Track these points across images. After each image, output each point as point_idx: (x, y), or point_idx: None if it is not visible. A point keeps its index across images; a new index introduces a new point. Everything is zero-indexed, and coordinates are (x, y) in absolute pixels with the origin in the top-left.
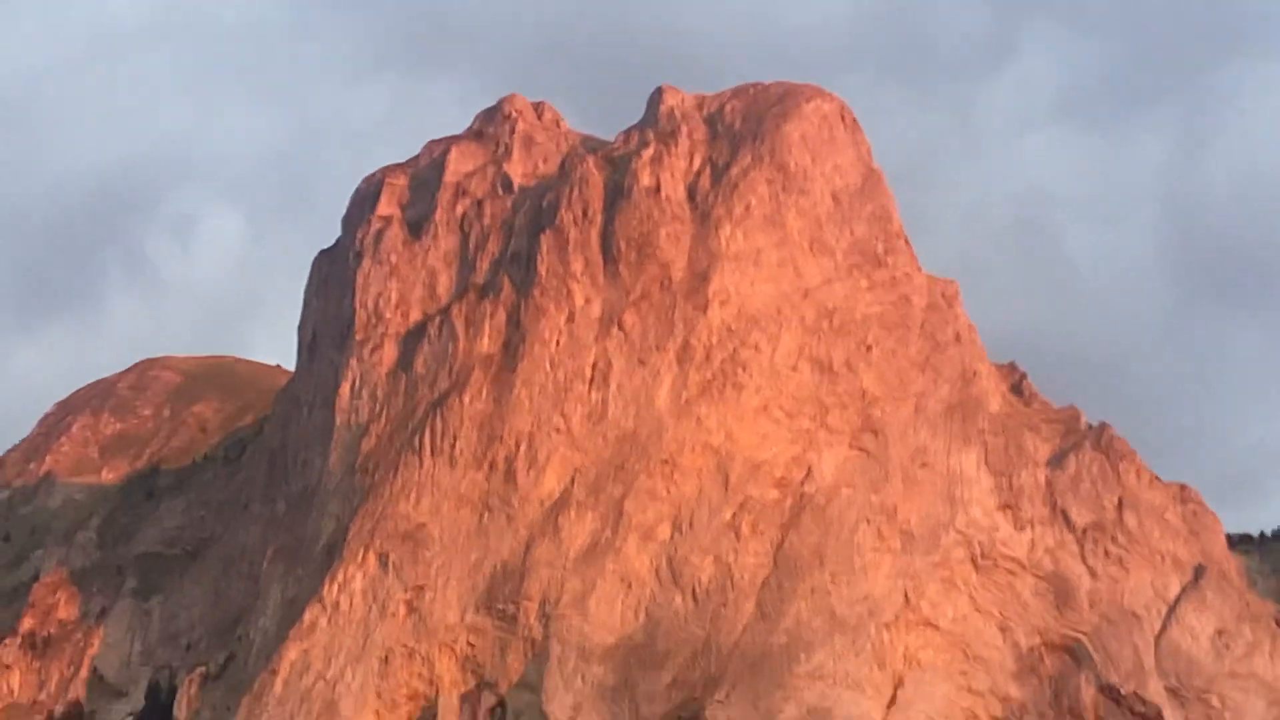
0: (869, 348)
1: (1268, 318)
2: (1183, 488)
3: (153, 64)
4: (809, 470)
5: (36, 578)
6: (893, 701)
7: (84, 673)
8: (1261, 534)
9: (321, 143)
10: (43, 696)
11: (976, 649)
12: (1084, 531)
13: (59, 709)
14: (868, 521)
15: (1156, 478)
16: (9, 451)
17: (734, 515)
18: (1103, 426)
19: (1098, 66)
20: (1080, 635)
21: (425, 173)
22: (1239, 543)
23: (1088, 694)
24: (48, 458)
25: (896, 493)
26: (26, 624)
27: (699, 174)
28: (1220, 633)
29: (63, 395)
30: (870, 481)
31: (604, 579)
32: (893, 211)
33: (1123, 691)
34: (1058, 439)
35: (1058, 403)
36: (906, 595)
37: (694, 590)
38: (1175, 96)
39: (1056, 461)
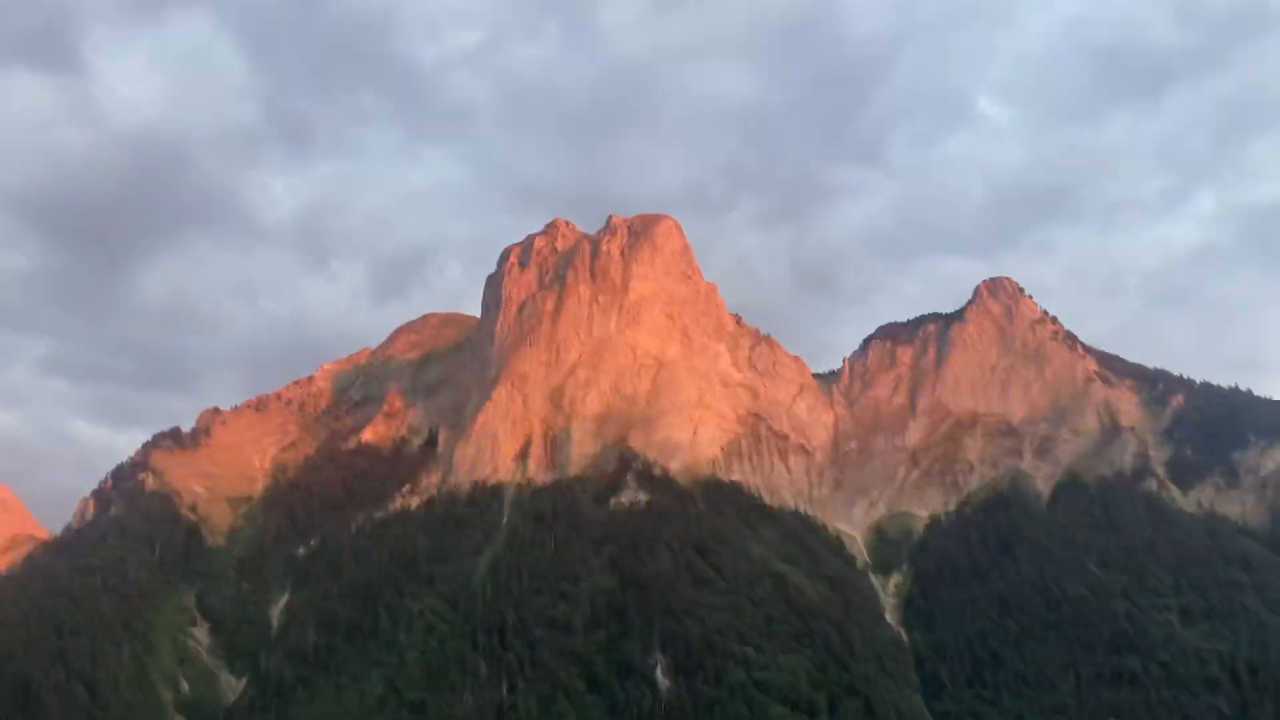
0: (683, 307)
1: (839, 298)
2: (797, 358)
3: (429, 214)
4: (665, 351)
5: (385, 394)
6: (694, 435)
7: (405, 424)
8: (819, 374)
9: (493, 238)
10: (388, 432)
11: (716, 411)
12: (761, 370)
13: (397, 437)
14: (684, 370)
15: (786, 352)
16: (377, 348)
17: (640, 369)
18: (769, 336)
19: (748, 212)
20: (760, 410)
21: (526, 245)
22: (816, 376)
23: (767, 434)
24: (389, 350)
25: (695, 359)
26: (385, 408)
27: (625, 247)
28: (809, 408)
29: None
30: (687, 356)
31: (592, 392)
32: (694, 260)
33: (775, 428)
34: (747, 340)
35: (751, 324)
36: (698, 395)
37: (624, 395)
38: (790, 224)
39: (751, 347)
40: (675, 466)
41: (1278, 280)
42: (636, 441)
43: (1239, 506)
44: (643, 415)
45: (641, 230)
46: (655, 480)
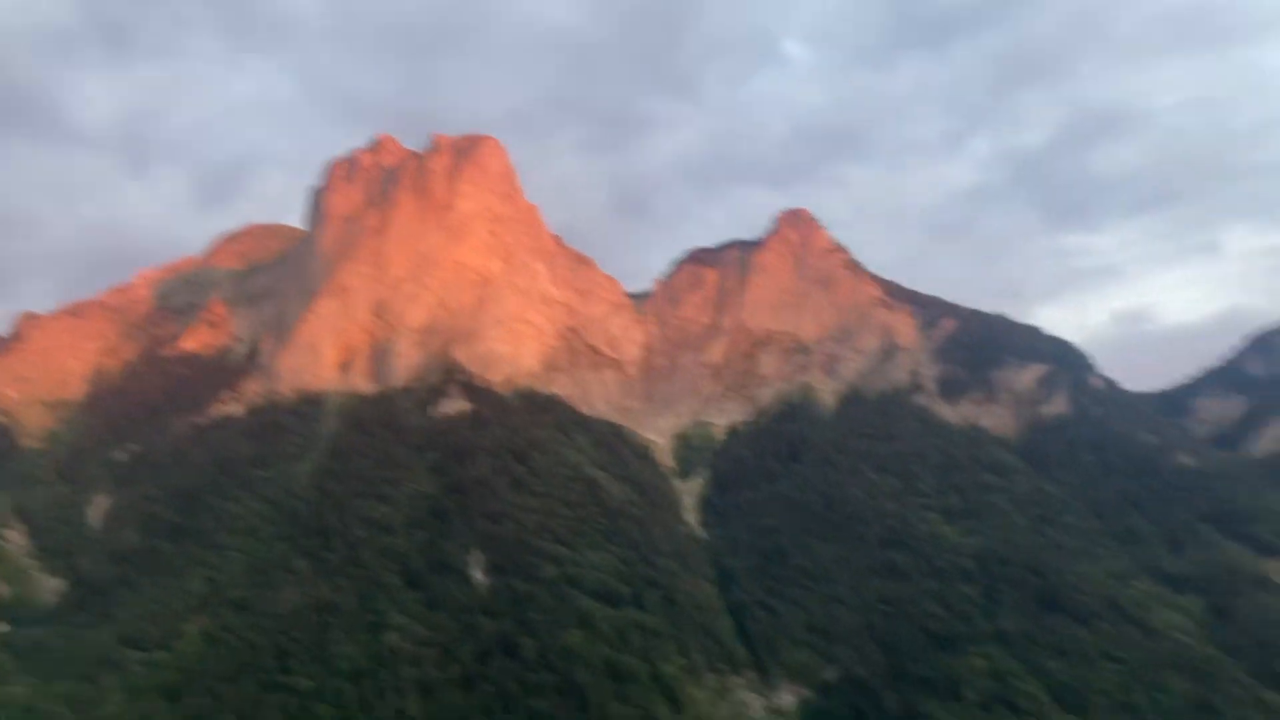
0: (506, 226)
1: (653, 223)
2: (612, 278)
3: (253, 124)
4: (488, 268)
5: (208, 303)
6: (515, 348)
7: (228, 333)
8: (633, 293)
9: (318, 152)
10: (210, 340)
11: (536, 326)
12: (579, 289)
13: (220, 346)
14: (507, 287)
15: (602, 272)
16: (200, 257)
17: (464, 284)
18: (587, 257)
19: (569, 139)
20: (577, 326)
21: (352, 160)
22: (630, 296)
23: (583, 349)
24: (212, 259)
25: (517, 276)
26: (207, 316)
27: (451, 164)
28: (622, 325)
29: (217, 238)
30: (509, 273)
31: (416, 306)
32: (517, 181)
33: (591, 343)
34: (566, 260)
35: (570, 245)
36: (519, 310)
37: (448, 309)
38: (608, 152)
39: (570, 267)
40: (496, 378)
41: (1039, 219)
42: (460, 354)
43: (995, 419)
44: (466, 329)
45: (466, 150)
46: (477, 391)
